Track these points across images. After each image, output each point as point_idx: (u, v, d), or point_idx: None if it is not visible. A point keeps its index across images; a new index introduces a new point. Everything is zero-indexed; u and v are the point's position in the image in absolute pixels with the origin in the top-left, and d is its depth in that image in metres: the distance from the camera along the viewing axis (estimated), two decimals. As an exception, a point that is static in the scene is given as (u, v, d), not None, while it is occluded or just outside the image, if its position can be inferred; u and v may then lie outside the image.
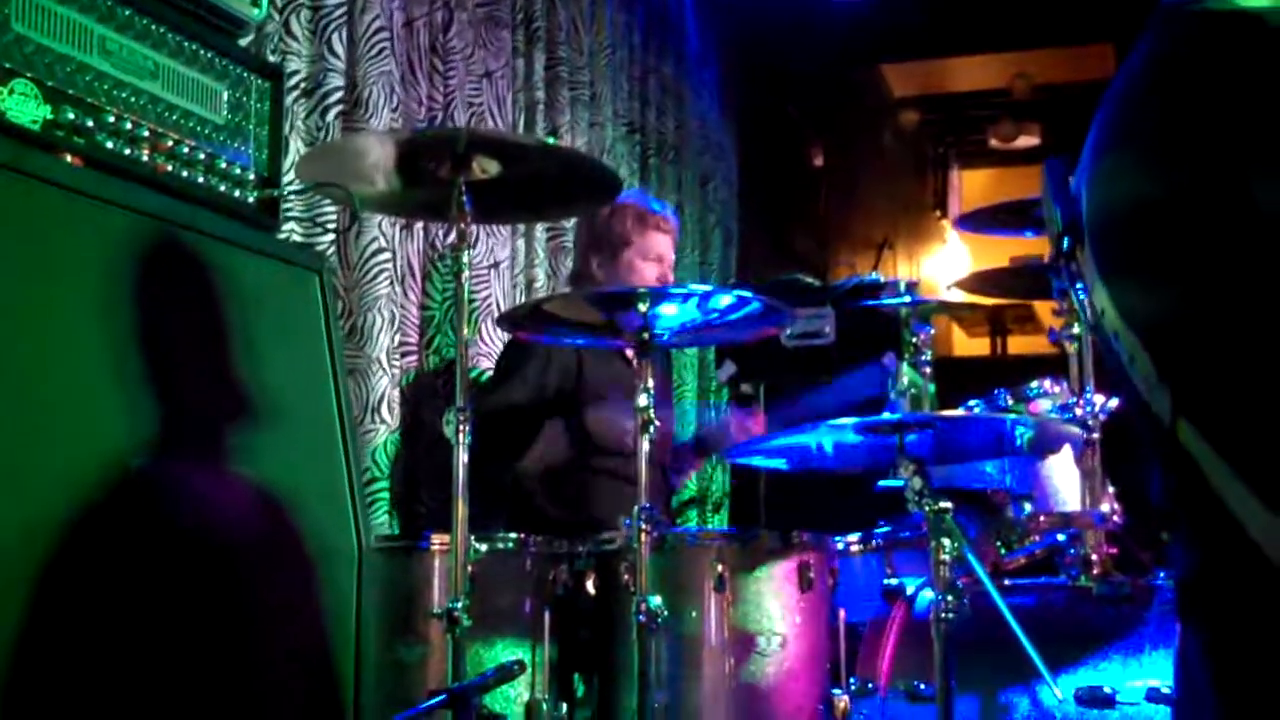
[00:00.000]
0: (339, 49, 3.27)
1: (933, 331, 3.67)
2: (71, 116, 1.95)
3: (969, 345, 11.80)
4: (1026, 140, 10.46)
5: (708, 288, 2.69)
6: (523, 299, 4.25)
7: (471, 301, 3.71)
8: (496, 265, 4.03)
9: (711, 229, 6.20)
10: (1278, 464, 1.23)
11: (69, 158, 1.95)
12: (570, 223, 4.38)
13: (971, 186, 12.40)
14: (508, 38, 4.24)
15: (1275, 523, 1.22)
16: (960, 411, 3.17)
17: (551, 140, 4.15)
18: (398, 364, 3.44)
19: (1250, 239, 1.24)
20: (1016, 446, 2.83)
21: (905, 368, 3.59)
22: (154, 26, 2.12)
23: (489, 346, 3.96)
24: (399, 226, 3.45)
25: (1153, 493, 1.38)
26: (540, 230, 4.37)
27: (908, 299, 3.75)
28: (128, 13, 2.07)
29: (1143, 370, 1.35)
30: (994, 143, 10.60)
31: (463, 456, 2.47)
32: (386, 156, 2.51)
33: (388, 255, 3.36)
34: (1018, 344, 11.33)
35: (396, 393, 3.40)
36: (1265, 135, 1.25)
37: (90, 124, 1.98)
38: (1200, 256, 1.29)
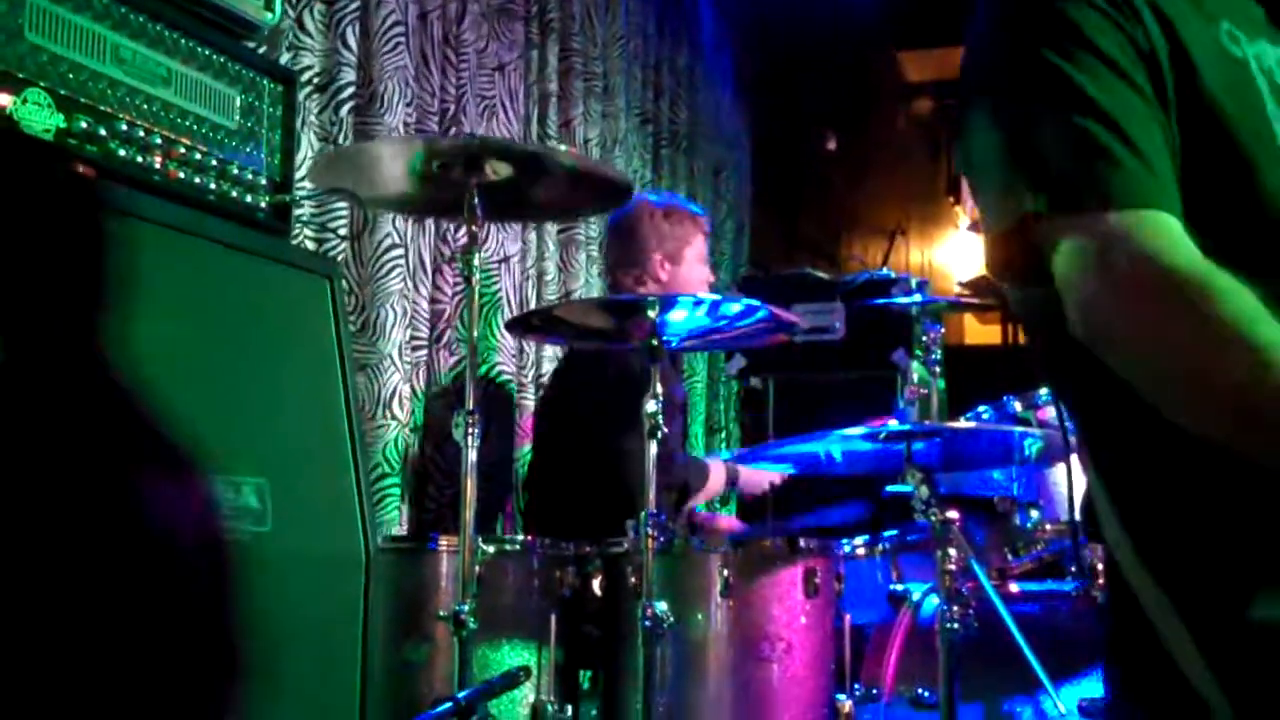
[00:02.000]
0: (352, 43, 3.27)
1: (943, 330, 3.67)
2: (84, 125, 1.95)
3: (981, 333, 11.76)
4: (1040, 127, 10.42)
5: (717, 296, 2.69)
6: (533, 293, 4.26)
7: (482, 296, 3.72)
8: (507, 260, 4.03)
9: (724, 219, 6.20)
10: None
11: (81, 167, 1.95)
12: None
13: (985, 173, 12.33)
14: (521, 30, 4.23)
15: None
16: (969, 423, 3.17)
17: (564, 149, 4.15)
18: (410, 359, 3.44)
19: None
20: (1025, 456, 2.83)
21: (915, 366, 3.60)
22: (167, 32, 2.12)
23: (499, 341, 3.96)
24: (411, 222, 3.46)
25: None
26: (551, 224, 4.37)
27: (918, 298, 3.75)
28: (141, 19, 2.07)
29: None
30: (1008, 129, 10.55)
31: (471, 457, 2.48)
32: (399, 163, 2.52)
33: (400, 251, 3.37)
34: (1029, 332, 11.29)
35: (407, 388, 3.41)
36: None
37: (103, 132, 1.98)
38: None
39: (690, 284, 3.80)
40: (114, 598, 1.83)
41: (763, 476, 3.90)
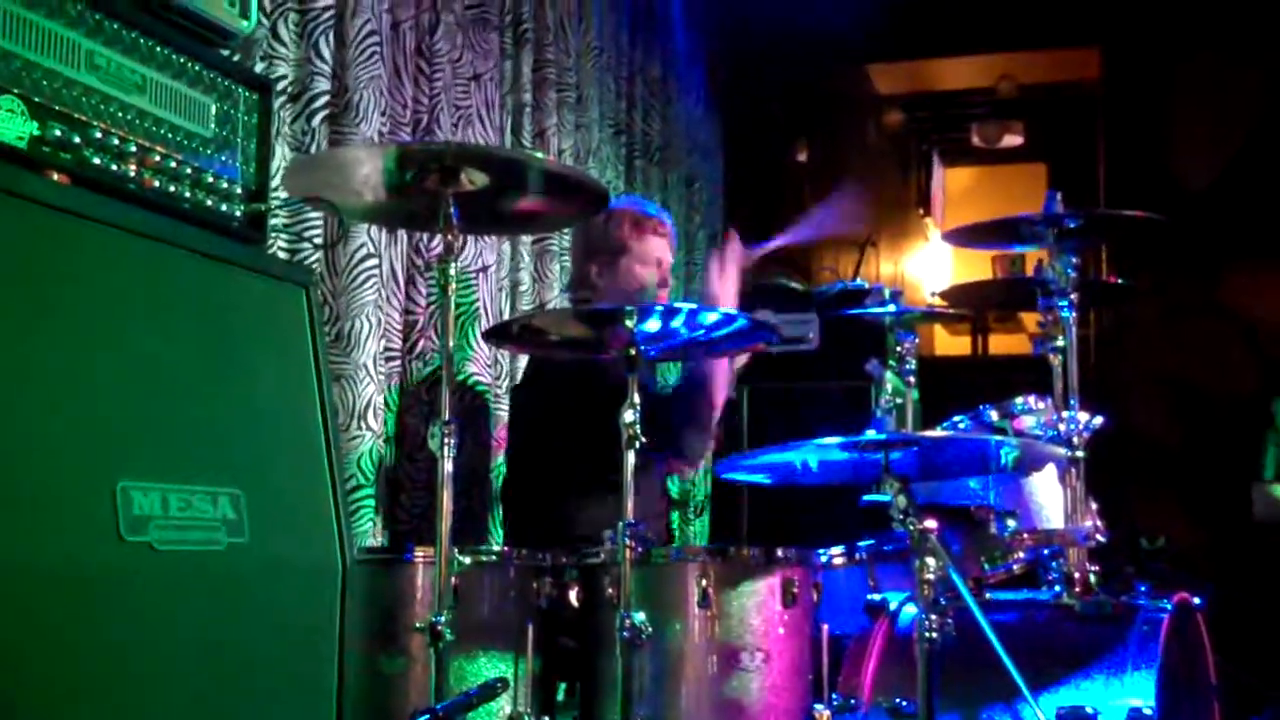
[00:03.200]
0: (326, 53, 3.25)
1: (916, 340, 3.68)
2: (58, 133, 1.93)
3: (950, 344, 11.82)
4: (1010, 140, 10.49)
5: (693, 305, 2.68)
6: (508, 303, 4.24)
7: (458, 306, 3.71)
8: (485, 270, 4.02)
9: (697, 229, 6.20)
10: None
11: (55, 175, 1.93)
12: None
13: (955, 185, 12.42)
14: (495, 40, 4.22)
15: None
16: (945, 432, 3.17)
17: (540, 156, 4.12)
18: (384, 370, 3.43)
19: None
20: (1001, 465, 2.83)
21: (889, 375, 3.60)
22: (141, 40, 2.10)
23: (474, 352, 3.95)
24: (385, 232, 3.44)
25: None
26: (529, 234, 4.36)
27: (892, 308, 3.76)
28: (115, 26, 2.05)
29: None
30: (978, 142, 10.62)
31: (447, 468, 2.46)
32: (373, 169, 2.51)
33: (375, 261, 3.35)
34: (999, 343, 11.38)
35: (381, 399, 3.39)
36: None
37: (77, 140, 1.96)
38: None
39: (629, 290, 3.65)
40: (94, 612, 1.82)
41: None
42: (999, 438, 3.07)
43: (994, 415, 3.23)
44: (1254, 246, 6.73)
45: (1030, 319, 3.27)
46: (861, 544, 3.37)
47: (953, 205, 12.20)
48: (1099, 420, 3.05)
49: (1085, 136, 8.60)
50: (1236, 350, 6.80)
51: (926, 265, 11.28)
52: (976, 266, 10.51)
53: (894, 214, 10.78)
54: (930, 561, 2.53)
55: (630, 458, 2.56)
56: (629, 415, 2.55)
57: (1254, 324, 6.78)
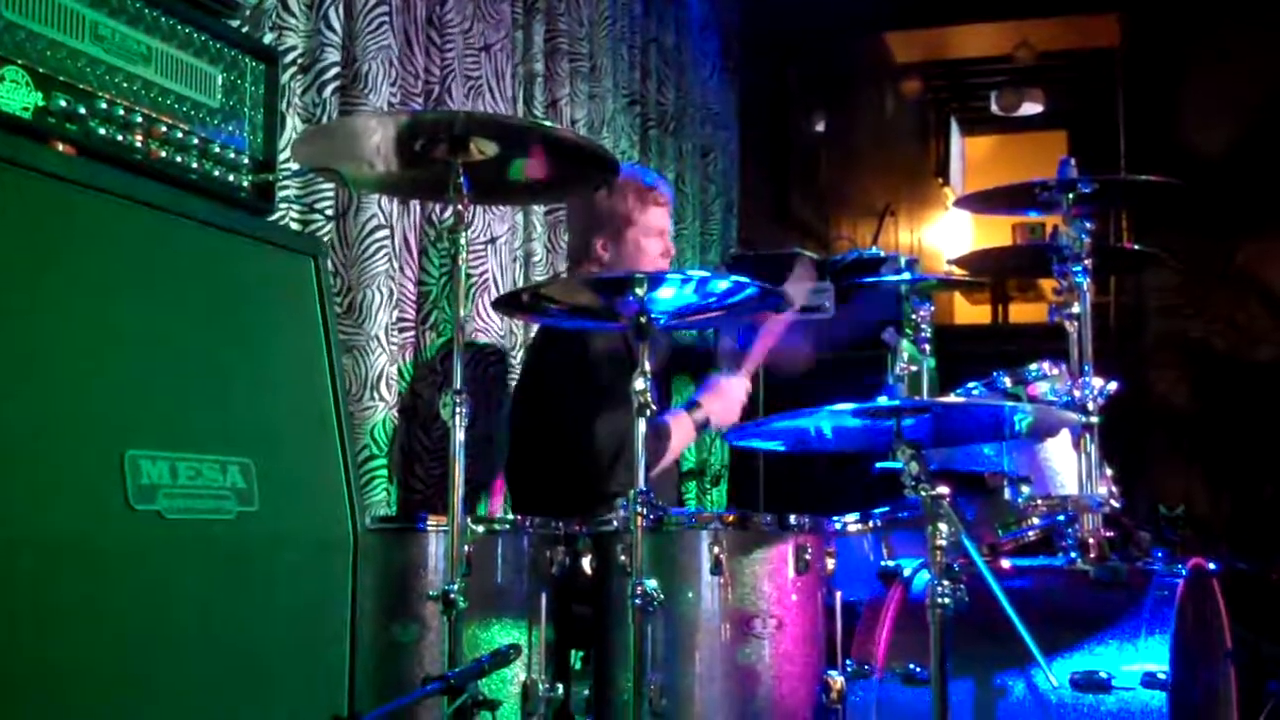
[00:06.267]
0: (335, 24, 3.25)
1: (933, 308, 3.67)
2: (64, 103, 1.93)
3: (970, 312, 11.80)
4: (1029, 107, 10.44)
5: (705, 273, 2.67)
6: (520, 274, 4.24)
7: (469, 277, 3.71)
8: (494, 240, 4.01)
9: (713, 199, 6.18)
10: None
11: (61, 146, 1.93)
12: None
13: (974, 153, 12.37)
14: (507, 9, 4.21)
15: None
16: (959, 398, 3.16)
17: (549, 124, 4.10)
18: (396, 340, 3.43)
19: None
20: (1015, 432, 2.82)
21: (905, 344, 3.60)
22: (146, 10, 2.09)
23: (486, 322, 3.95)
24: (396, 202, 3.44)
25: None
26: (538, 205, 4.35)
27: (908, 276, 3.75)
28: (120, -4, 2.05)
29: None
30: (996, 110, 10.57)
31: (459, 437, 2.47)
32: (384, 138, 2.50)
33: (386, 232, 3.35)
34: (1020, 311, 11.34)
35: (394, 369, 3.40)
36: None
37: (83, 111, 1.96)
38: None
39: (636, 264, 3.65)
40: (105, 586, 1.83)
41: (730, 399, 3.77)
42: (1012, 403, 3.06)
43: (1008, 381, 3.22)
44: (1276, 212, 6.68)
45: (1050, 286, 3.25)
46: (876, 511, 3.36)
47: (972, 173, 12.15)
48: (1113, 386, 3.04)
49: (1105, 103, 8.55)
50: (1258, 317, 6.76)
51: (946, 234, 11.25)
52: (997, 235, 10.48)
53: (912, 184, 10.75)
54: (943, 528, 2.51)
55: (641, 425, 2.55)
56: (639, 383, 2.55)
57: (1274, 290, 6.73)
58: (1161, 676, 2.68)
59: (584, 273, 3.69)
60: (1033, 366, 3.22)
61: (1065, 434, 3.09)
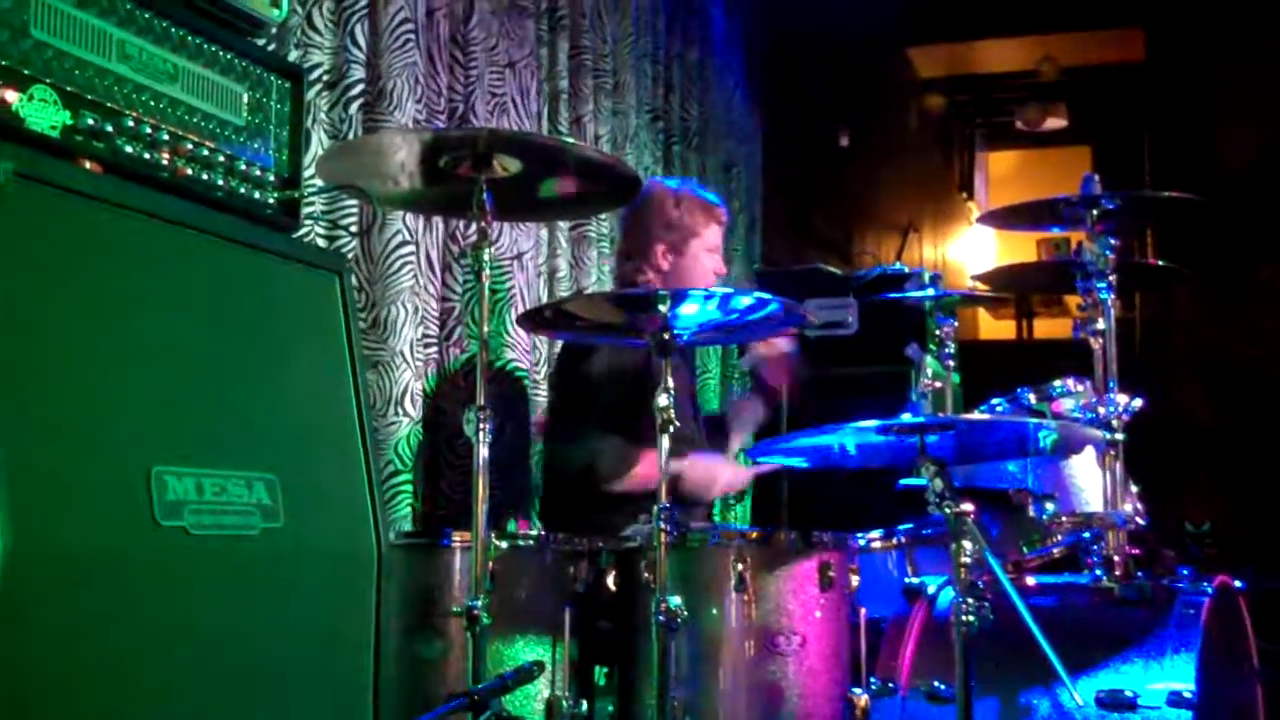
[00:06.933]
0: (361, 41, 3.27)
1: (956, 324, 3.66)
2: (91, 122, 1.94)
3: (995, 328, 11.76)
4: (1053, 123, 10.42)
5: (729, 290, 2.67)
6: (545, 290, 4.25)
7: (494, 292, 3.72)
8: (520, 256, 4.02)
9: (736, 214, 6.18)
10: None
11: (89, 164, 1.94)
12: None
13: (998, 169, 12.35)
14: (531, 27, 4.22)
15: None
16: (983, 415, 3.15)
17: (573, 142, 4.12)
18: (420, 356, 3.44)
19: None
20: (1039, 448, 2.81)
21: (929, 360, 3.59)
22: (173, 29, 2.11)
23: (512, 339, 3.95)
24: (421, 219, 3.45)
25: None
26: (562, 221, 4.36)
27: (931, 291, 3.75)
28: (147, 16, 2.06)
29: None
30: (1020, 125, 10.55)
31: (482, 453, 2.47)
32: (408, 155, 2.51)
33: (411, 248, 3.36)
34: (1044, 327, 11.31)
35: (419, 385, 3.41)
36: None
37: (110, 129, 1.97)
38: None
39: (694, 277, 3.69)
40: (130, 601, 1.83)
41: (711, 475, 3.69)
42: (1037, 420, 3.05)
43: (1032, 398, 3.21)
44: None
45: (1075, 302, 3.25)
46: (900, 528, 3.35)
47: (996, 189, 12.13)
48: (1138, 403, 3.02)
49: (1129, 118, 8.52)
50: (1282, 333, 6.73)
51: (969, 249, 11.22)
52: (1022, 250, 10.45)
53: (936, 198, 10.73)
54: (967, 545, 2.51)
55: (664, 442, 2.55)
56: (663, 400, 2.55)
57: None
58: (1187, 695, 2.66)
59: (636, 276, 3.73)
60: (1057, 383, 3.22)
61: (1090, 450, 3.08)
